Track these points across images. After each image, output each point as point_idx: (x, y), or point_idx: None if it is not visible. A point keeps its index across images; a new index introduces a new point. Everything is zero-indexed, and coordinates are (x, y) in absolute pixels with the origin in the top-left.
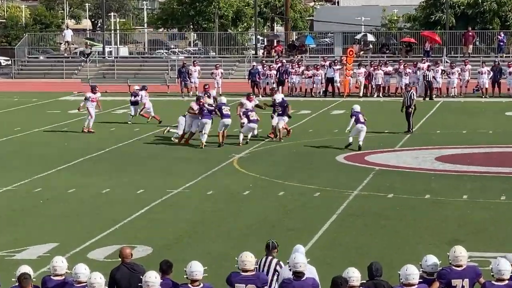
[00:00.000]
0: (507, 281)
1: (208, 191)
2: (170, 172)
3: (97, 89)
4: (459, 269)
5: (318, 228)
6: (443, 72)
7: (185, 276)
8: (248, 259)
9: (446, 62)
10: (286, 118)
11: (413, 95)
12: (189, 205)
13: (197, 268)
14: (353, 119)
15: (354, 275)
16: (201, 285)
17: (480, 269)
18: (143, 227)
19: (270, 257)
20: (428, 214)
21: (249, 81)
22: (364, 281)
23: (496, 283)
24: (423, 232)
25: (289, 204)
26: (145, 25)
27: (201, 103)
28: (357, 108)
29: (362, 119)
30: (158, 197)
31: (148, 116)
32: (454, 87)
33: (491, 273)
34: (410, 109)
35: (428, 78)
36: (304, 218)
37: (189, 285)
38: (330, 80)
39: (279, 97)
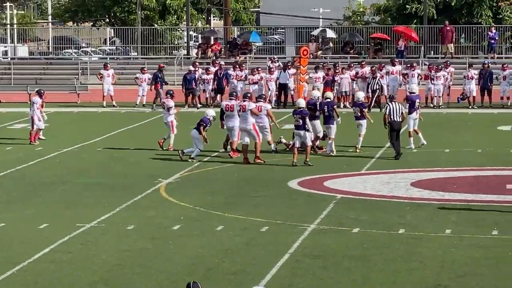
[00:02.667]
0: None
1: (129, 225)
2: (81, 201)
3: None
4: None
5: (265, 271)
6: (419, 76)
7: None
8: None
9: (424, 64)
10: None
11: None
12: (104, 243)
13: None
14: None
15: None
16: None
17: None
18: (46, 271)
19: None
20: (403, 253)
21: (183, 89)
22: None
23: None
24: (396, 276)
25: (229, 242)
26: (50, 18)
27: None
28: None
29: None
30: (65, 234)
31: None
32: (440, 96)
33: None
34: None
35: (372, 87)
36: (248, 260)
37: None
38: (283, 87)
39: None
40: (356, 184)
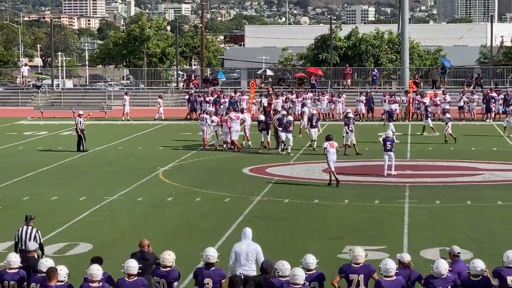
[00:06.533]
0: (394, 277)
1: (139, 198)
2: (107, 182)
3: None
4: (356, 266)
5: (228, 227)
6: (328, 99)
7: (122, 271)
8: (166, 256)
9: (330, 92)
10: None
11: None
12: (123, 209)
13: (132, 264)
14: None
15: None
16: (136, 278)
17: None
18: (85, 227)
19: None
20: (316, 215)
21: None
22: (257, 275)
23: (386, 279)
24: (312, 230)
25: (204, 208)
26: (87, 62)
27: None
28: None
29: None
30: (97, 203)
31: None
32: (341, 113)
33: (380, 272)
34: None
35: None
36: (217, 220)
37: (125, 279)
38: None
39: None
40: (286, 170)
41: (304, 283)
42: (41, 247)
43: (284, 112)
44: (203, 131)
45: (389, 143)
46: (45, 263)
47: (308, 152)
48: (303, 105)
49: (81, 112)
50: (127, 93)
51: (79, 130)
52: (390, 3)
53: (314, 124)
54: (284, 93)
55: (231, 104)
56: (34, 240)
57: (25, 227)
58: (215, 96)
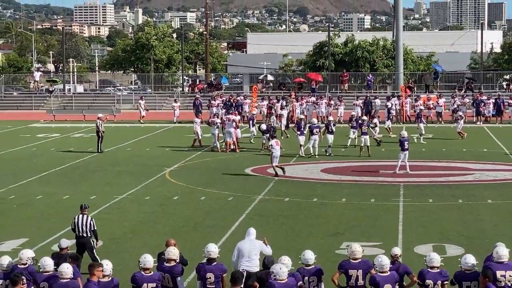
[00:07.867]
0: (388, 272)
1: (146, 197)
2: (116, 182)
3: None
4: (355, 262)
5: (231, 225)
6: (326, 103)
7: (140, 265)
8: (171, 250)
9: (328, 96)
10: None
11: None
12: (131, 208)
13: (149, 259)
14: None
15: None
16: (152, 272)
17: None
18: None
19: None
20: (315, 213)
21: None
22: (259, 270)
23: (381, 274)
24: (311, 227)
25: (208, 207)
26: (97, 68)
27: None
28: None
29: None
30: (107, 202)
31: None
32: (341, 116)
33: (375, 268)
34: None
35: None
36: (220, 217)
37: (142, 273)
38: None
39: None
40: (286, 170)
41: (292, 277)
42: (95, 233)
43: (302, 117)
44: (214, 134)
45: (406, 142)
46: (43, 263)
47: (314, 153)
48: (282, 108)
49: (100, 115)
50: (142, 98)
51: (100, 132)
52: (385, 11)
53: (330, 130)
54: (284, 97)
55: (237, 107)
56: (90, 227)
57: (80, 216)
58: (223, 98)
